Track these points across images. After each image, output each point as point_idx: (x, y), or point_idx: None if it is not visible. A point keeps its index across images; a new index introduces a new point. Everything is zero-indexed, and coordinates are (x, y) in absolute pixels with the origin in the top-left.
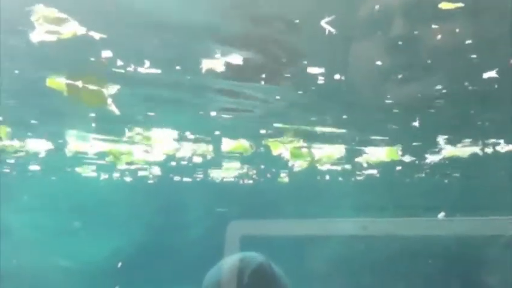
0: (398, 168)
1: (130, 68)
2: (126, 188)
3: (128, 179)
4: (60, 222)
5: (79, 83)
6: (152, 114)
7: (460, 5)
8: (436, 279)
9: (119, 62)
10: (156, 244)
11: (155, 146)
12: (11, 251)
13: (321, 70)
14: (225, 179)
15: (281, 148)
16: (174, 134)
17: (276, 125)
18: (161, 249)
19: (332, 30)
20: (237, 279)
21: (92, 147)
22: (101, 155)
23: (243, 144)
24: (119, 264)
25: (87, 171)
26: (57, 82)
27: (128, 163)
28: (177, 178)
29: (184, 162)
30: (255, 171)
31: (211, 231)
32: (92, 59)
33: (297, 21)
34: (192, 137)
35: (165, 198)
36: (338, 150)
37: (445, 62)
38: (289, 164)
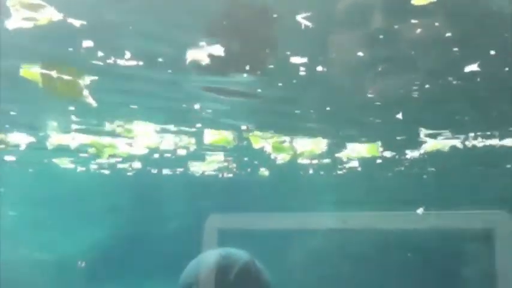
0: (379, 161)
1: (110, 60)
2: (105, 181)
3: (106, 171)
4: (38, 215)
5: (54, 73)
6: (134, 107)
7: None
8: (415, 272)
9: (100, 53)
10: (134, 237)
11: (137, 139)
12: None
13: (304, 60)
14: (205, 173)
15: (262, 142)
16: (156, 126)
17: (256, 118)
18: (139, 241)
19: (308, 24)
20: (222, 277)
21: (73, 140)
22: (83, 147)
23: (226, 136)
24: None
25: (65, 163)
26: (32, 72)
27: (111, 155)
28: (155, 171)
29: (168, 155)
30: (234, 165)
31: (191, 225)
32: (70, 49)
33: (275, 15)
34: (174, 129)
35: (144, 191)
36: (319, 145)
37: (426, 55)
38: (271, 157)
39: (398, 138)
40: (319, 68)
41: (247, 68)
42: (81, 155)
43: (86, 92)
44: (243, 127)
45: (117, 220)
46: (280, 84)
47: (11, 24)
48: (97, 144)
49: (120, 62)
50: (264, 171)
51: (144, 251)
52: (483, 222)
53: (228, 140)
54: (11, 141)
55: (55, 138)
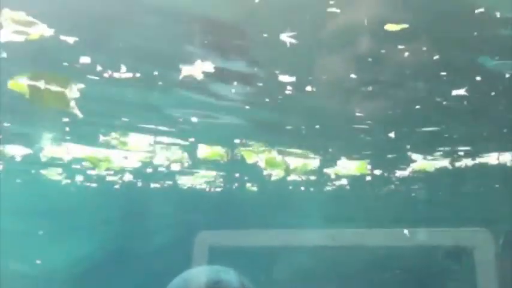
0: (368, 179)
1: (107, 74)
2: (92, 193)
3: (93, 184)
4: (23, 226)
5: (41, 85)
6: (126, 119)
7: (405, 26)
8: None
9: (98, 68)
10: (121, 251)
11: (132, 152)
12: None
13: (292, 79)
14: (193, 186)
15: (255, 157)
16: (150, 139)
17: (248, 135)
18: (126, 256)
19: (293, 41)
20: None
21: (67, 153)
22: (77, 160)
23: (218, 151)
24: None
25: (52, 175)
26: (19, 84)
27: (107, 169)
28: (140, 184)
29: (162, 169)
30: (221, 180)
31: (178, 239)
32: (65, 63)
33: (265, 35)
34: (168, 142)
35: (131, 204)
36: (312, 161)
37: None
38: (264, 173)
39: (388, 156)
40: (308, 88)
41: (235, 83)
42: (74, 166)
43: (72, 103)
44: (237, 141)
45: (105, 234)
46: (267, 100)
47: (2, 37)
48: (92, 159)
49: (116, 74)
50: (251, 187)
51: (132, 266)
52: (466, 240)
53: (221, 154)
54: (7, 153)
55: (48, 150)
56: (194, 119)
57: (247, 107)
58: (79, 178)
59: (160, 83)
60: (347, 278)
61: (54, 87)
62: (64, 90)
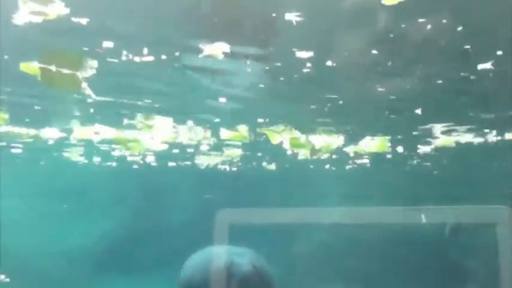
0: (389, 156)
1: (126, 57)
2: (113, 173)
3: (113, 164)
4: (47, 206)
5: (52, 67)
6: (150, 101)
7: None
8: (421, 267)
9: (121, 52)
10: (142, 229)
11: (157, 134)
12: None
13: (310, 54)
14: (215, 166)
15: (278, 137)
16: (175, 122)
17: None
18: (147, 233)
19: (299, 19)
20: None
21: (97, 135)
22: (106, 142)
23: (242, 132)
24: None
25: (75, 156)
26: (31, 66)
27: (135, 150)
28: (168, 164)
29: (191, 150)
30: (239, 159)
31: (198, 217)
32: (86, 48)
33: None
34: (192, 124)
35: (151, 183)
36: (336, 140)
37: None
38: (288, 152)
39: (413, 133)
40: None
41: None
42: (103, 148)
43: (84, 84)
44: (260, 120)
45: (126, 212)
46: (282, 78)
47: (19, 19)
48: (122, 140)
49: (136, 58)
50: (267, 166)
51: (152, 243)
52: (487, 217)
53: (244, 135)
54: (43, 136)
55: (78, 132)
56: (215, 101)
57: (264, 86)
58: (106, 159)
59: (176, 65)
60: (365, 255)
61: (65, 69)
62: (76, 72)
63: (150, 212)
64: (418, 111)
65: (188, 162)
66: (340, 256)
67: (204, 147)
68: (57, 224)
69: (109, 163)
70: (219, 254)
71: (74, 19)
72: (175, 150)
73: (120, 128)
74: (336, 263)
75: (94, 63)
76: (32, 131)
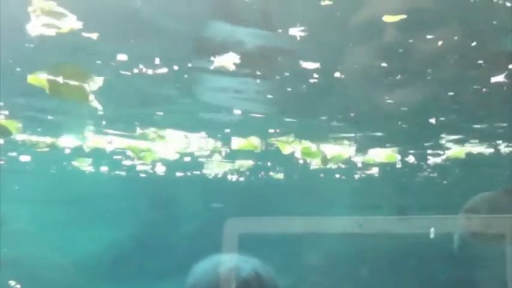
0: (399, 166)
1: (137, 70)
2: (121, 182)
3: (121, 173)
4: (57, 215)
5: (60, 79)
6: (161, 113)
7: (403, 16)
8: (430, 277)
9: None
10: (151, 238)
11: (170, 144)
12: (7, 241)
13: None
14: (218, 176)
15: (289, 148)
16: (187, 133)
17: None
18: (156, 242)
19: (303, 34)
20: None
21: (109, 144)
22: (119, 151)
23: (252, 142)
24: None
25: (83, 165)
26: (39, 78)
27: (154, 160)
28: (179, 174)
29: (203, 159)
30: (246, 168)
31: (207, 226)
32: (99, 62)
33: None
34: (204, 135)
35: (160, 193)
36: (347, 150)
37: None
38: (300, 162)
39: (424, 144)
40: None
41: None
42: (115, 157)
43: (91, 97)
44: (271, 131)
45: (134, 221)
46: (289, 89)
47: (32, 30)
48: (135, 149)
49: (149, 71)
50: (275, 175)
51: (161, 253)
52: (497, 227)
53: (255, 145)
54: (59, 144)
55: (92, 141)
56: (226, 113)
57: (273, 97)
58: (115, 169)
59: (186, 75)
60: (375, 265)
61: (73, 81)
62: (83, 84)
63: (158, 221)
64: (430, 121)
65: (197, 172)
66: (349, 266)
67: (216, 157)
68: (66, 232)
69: (118, 172)
70: (224, 261)
71: (85, 34)
72: (187, 159)
73: (133, 137)
74: (345, 272)
75: (100, 78)
76: (49, 139)
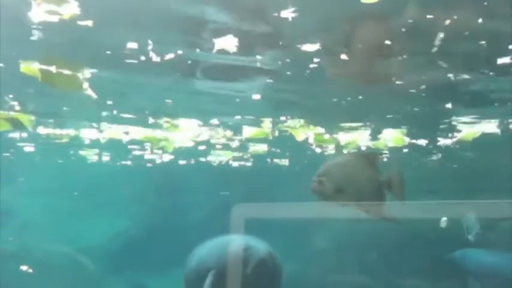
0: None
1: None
2: (129, 171)
3: (128, 162)
4: (65, 204)
5: (53, 68)
6: (169, 101)
7: None
8: (437, 261)
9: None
10: (159, 226)
11: (184, 133)
12: (16, 232)
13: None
14: (223, 163)
15: (303, 135)
16: (199, 121)
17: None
18: (164, 231)
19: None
20: (243, 269)
21: (126, 135)
22: (138, 142)
23: (263, 129)
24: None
25: (91, 155)
26: (31, 68)
27: (175, 149)
28: (194, 162)
29: (219, 146)
30: (249, 155)
31: (215, 214)
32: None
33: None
34: (217, 123)
35: (167, 181)
36: (361, 136)
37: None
38: (313, 149)
39: (434, 125)
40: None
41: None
42: (132, 148)
43: (85, 85)
44: (282, 118)
45: (143, 210)
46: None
47: (35, 16)
48: (153, 139)
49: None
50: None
51: (170, 240)
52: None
53: (266, 132)
54: (84, 136)
55: (108, 132)
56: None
57: (274, 81)
58: (122, 158)
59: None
60: (379, 249)
61: (65, 71)
62: (76, 73)
63: (167, 210)
64: (441, 104)
65: (203, 159)
66: (355, 250)
67: (233, 144)
68: (74, 221)
69: (124, 162)
70: (233, 240)
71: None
72: (202, 147)
73: (147, 127)
74: (351, 256)
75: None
76: (72, 132)
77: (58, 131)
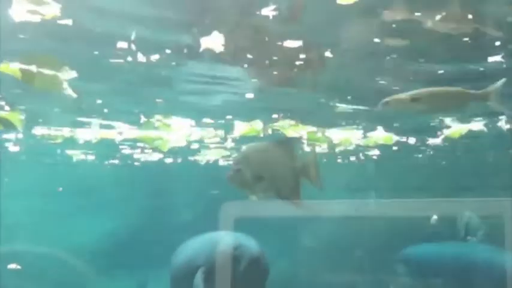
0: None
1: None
2: (118, 171)
3: (115, 161)
4: (53, 205)
5: (33, 68)
6: (160, 100)
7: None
8: None
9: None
10: (148, 226)
11: (176, 132)
12: (5, 234)
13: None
14: (210, 162)
15: (292, 132)
16: (191, 121)
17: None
18: (154, 230)
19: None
20: (234, 266)
21: (119, 135)
22: (131, 141)
23: (255, 127)
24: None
25: (78, 155)
26: (11, 68)
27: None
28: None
29: (214, 145)
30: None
31: (205, 213)
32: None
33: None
34: (209, 122)
35: (155, 181)
36: (354, 134)
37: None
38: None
39: (424, 124)
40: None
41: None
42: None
43: (65, 85)
44: (274, 116)
45: (132, 210)
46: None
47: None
48: (147, 139)
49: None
50: None
51: (159, 240)
52: (494, 209)
53: (257, 130)
54: (79, 137)
55: (99, 132)
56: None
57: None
58: (110, 157)
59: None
60: (369, 247)
61: (45, 71)
62: (56, 73)
63: (156, 209)
64: None
65: (192, 158)
66: (346, 248)
67: (224, 143)
68: (63, 222)
69: (112, 161)
70: (221, 237)
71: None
72: (195, 146)
73: (140, 127)
74: (341, 255)
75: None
76: (67, 131)
77: (46, 131)
